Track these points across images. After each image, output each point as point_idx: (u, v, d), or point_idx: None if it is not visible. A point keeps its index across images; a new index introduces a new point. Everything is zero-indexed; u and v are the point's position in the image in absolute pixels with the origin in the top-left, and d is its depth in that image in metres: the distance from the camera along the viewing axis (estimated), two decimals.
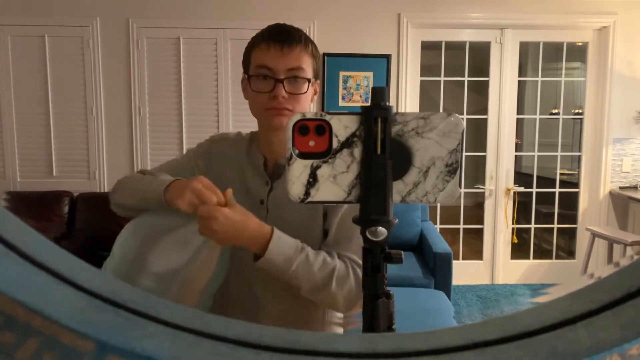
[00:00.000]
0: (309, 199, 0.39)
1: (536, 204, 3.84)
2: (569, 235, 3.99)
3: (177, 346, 0.22)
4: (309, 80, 0.94)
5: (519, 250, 3.89)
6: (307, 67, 0.94)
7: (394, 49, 3.56)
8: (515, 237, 3.84)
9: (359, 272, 0.89)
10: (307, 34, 0.98)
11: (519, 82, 3.77)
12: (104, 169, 3.59)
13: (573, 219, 3.88)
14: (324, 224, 0.95)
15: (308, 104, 0.96)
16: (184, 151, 1.41)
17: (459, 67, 3.71)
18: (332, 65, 3.54)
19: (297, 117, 0.38)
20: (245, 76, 1.00)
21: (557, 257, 3.92)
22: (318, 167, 0.38)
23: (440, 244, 2.99)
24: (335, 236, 0.94)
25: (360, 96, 3.58)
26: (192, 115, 3.55)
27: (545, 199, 3.87)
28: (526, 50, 4.00)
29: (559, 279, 3.81)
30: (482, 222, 3.84)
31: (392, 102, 3.60)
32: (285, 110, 0.91)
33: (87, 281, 0.23)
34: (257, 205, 0.97)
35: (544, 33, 3.67)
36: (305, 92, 0.94)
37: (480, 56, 3.77)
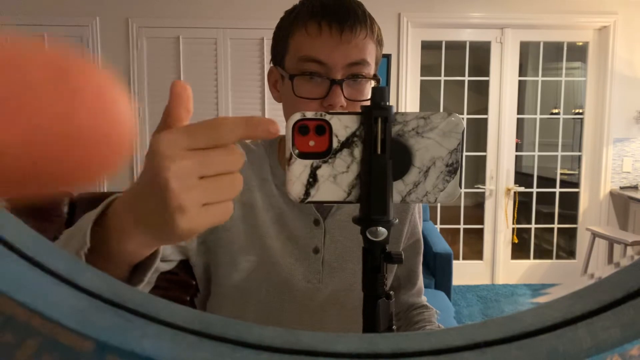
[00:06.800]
0: (309, 199, 0.39)
1: (536, 203, 3.83)
2: (569, 235, 3.99)
3: (177, 346, 0.22)
4: (373, 79, 0.69)
5: (519, 250, 3.88)
6: (372, 61, 0.69)
7: (394, 48, 3.56)
8: (515, 237, 3.83)
9: None
10: None
11: (519, 81, 3.77)
12: None
13: (573, 219, 3.87)
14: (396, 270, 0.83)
15: None
16: None
17: (459, 67, 3.71)
18: None
19: (297, 117, 0.38)
20: (276, 69, 0.72)
21: (558, 257, 3.92)
22: (318, 167, 0.38)
23: (440, 244, 2.99)
24: (420, 284, 0.85)
25: None
26: (191, 116, 3.55)
27: (546, 199, 3.87)
28: (526, 50, 3.99)
29: (559, 279, 3.81)
30: (482, 222, 3.84)
31: (392, 101, 3.60)
32: None
33: (86, 281, 0.23)
34: (309, 256, 0.73)
35: (544, 33, 3.66)
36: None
37: (480, 56, 3.77)
